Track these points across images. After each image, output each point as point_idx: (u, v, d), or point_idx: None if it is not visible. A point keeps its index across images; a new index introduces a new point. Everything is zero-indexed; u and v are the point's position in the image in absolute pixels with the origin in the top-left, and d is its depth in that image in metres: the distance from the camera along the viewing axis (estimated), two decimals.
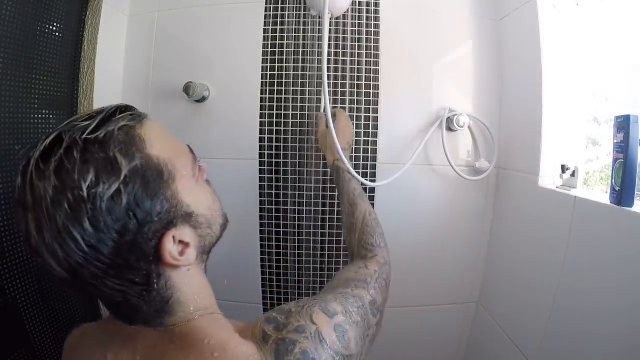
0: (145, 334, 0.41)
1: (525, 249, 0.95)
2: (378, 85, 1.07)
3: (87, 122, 0.37)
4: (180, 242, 0.40)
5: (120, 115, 0.39)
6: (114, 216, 0.34)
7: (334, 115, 0.89)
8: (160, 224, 0.38)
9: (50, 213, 0.34)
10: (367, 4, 1.06)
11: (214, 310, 0.45)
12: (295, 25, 1.07)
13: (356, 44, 1.07)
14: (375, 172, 1.08)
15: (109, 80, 1.08)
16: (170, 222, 0.39)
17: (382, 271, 0.61)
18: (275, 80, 1.07)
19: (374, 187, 1.08)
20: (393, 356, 1.15)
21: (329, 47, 1.03)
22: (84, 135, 0.35)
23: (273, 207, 1.11)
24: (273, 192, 1.10)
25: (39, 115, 0.92)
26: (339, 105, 1.07)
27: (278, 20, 1.07)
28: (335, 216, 1.10)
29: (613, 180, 0.69)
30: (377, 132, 1.07)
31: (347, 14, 1.06)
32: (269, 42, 1.07)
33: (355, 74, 1.07)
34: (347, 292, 0.51)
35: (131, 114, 0.40)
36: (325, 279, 1.13)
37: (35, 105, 0.90)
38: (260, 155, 1.09)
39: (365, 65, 1.07)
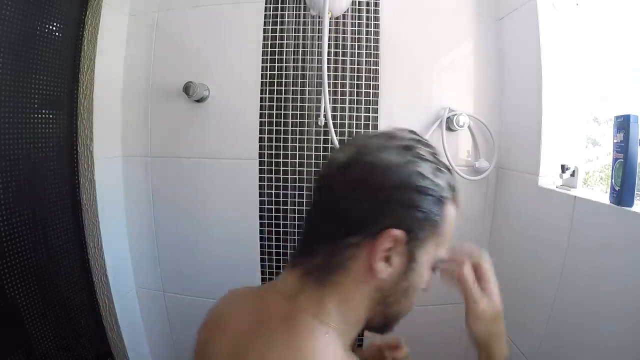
0: (271, 298, 0.45)
1: (525, 249, 0.95)
2: (378, 85, 1.07)
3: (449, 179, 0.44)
4: (389, 262, 0.41)
5: (452, 194, 0.45)
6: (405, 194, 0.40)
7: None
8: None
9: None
10: (367, 4, 1.06)
11: (337, 332, 0.42)
12: (295, 25, 1.07)
13: (356, 44, 1.06)
14: None
15: (109, 80, 1.08)
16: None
17: None
18: (275, 81, 1.07)
19: None
20: None
21: (329, 47, 1.03)
22: (442, 192, 0.43)
23: (273, 207, 1.11)
24: (273, 192, 1.10)
25: (39, 115, 0.92)
26: (339, 105, 1.07)
27: (278, 20, 1.07)
28: None
29: (613, 180, 0.69)
30: None
31: (347, 14, 1.06)
32: (269, 42, 1.07)
33: (355, 74, 1.07)
34: None
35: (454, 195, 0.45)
36: None
37: (35, 105, 0.90)
38: (260, 155, 1.09)
39: (365, 65, 1.07)
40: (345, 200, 0.41)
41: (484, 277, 0.50)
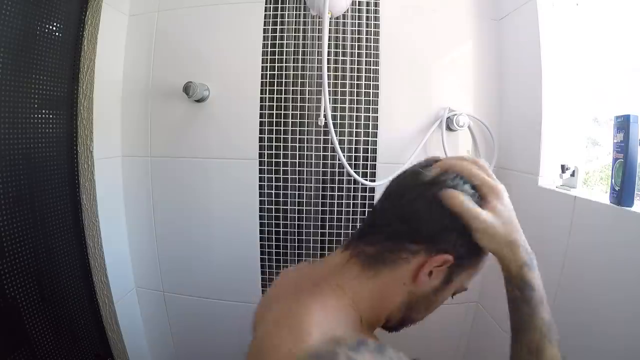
0: (317, 269, 0.51)
1: None
2: (378, 85, 1.07)
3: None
4: (430, 277, 0.45)
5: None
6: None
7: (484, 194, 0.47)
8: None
9: None
10: (367, 4, 1.06)
11: (357, 309, 0.46)
12: (295, 25, 1.07)
13: (356, 44, 1.07)
14: (375, 172, 1.08)
15: (109, 80, 1.08)
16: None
17: None
18: (275, 80, 1.07)
19: (374, 187, 1.08)
20: None
21: (329, 47, 1.03)
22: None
23: (273, 207, 1.11)
24: (273, 192, 1.10)
25: (39, 115, 0.92)
26: (339, 105, 1.07)
27: (278, 20, 1.07)
28: (335, 216, 1.10)
29: (613, 180, 0.69)
30: (377, 132, 1.07)
31: (347, 14, 1.06)
32: (269, 42, 1.07)
33: (355, 74, 1.07)
34: None
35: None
36: None
37: (35, 105, 0.90)
38: (260, 155, 1.09)
39: (365, 65, 1.07)
40: (422, 214, 0.45)
41: (484, 183, 0.46)
